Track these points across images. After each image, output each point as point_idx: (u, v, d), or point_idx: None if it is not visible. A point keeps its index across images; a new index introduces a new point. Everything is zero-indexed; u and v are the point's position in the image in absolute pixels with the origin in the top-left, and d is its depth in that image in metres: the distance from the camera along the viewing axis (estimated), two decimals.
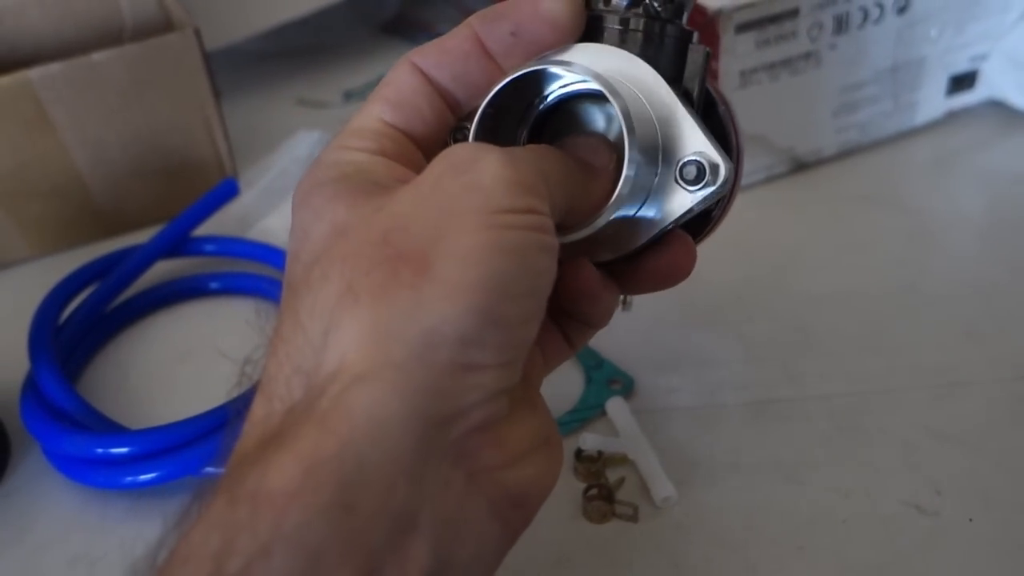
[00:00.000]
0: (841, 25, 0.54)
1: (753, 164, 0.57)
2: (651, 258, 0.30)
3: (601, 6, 0.29)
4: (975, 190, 0.58)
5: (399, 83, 0.28)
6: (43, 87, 0.52)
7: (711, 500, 0.39)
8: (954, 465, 0.39)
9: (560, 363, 0.32)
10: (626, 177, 0.26)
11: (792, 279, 0.51)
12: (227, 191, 0.53)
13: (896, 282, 0.51)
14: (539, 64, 0.27)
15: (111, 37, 0.63)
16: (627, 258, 0.30)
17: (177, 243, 0.52)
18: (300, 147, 0.61)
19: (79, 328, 0.48)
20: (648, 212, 0.28)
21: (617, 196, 0.26)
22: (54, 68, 0.52)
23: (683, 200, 0.28)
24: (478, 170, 0.24)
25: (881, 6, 0.55)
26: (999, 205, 0.57)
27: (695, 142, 0.27)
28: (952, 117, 0.62)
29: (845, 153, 0.60)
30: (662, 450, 0.40)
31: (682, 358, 0.46)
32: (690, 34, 0.29)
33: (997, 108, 0.62)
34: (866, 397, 0.43)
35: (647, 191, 0.28)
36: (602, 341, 0.46)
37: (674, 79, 0.29)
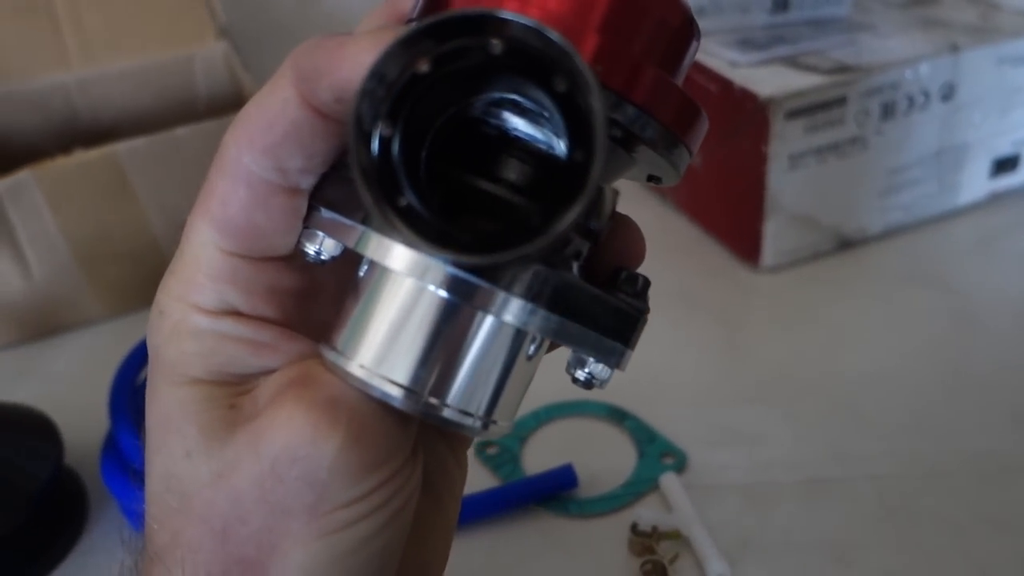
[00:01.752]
0: (887, 112, 0.56)
1: (800, 242, 0.59)
2: None
3: None
4: (1018, 271, 0.59)
5: (225, 190, 0.22)
6: (128, 160, 0.55)
7: None
8: (1003, 551, 0.40)
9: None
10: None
11: (838, 357, 0.53)
12: None
13: (941, 363, 0.52)
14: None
15: (186, 108, 0.67)
16: None
17: None
18: None
19: None
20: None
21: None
22: (139, 143, 0.55)
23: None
24: (316, 458, 0.20)
25: (927, 94, 0.57)
26: None
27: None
28: (995, 199, 0.64)
29: (890, 232, 0.61)
30: (715, 526, 0.42)
31: (733, 434, 0.47)
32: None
33: None
34: (914, 479, 0.44)
35: None
36: (654, 416, 0.48)
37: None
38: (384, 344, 0.21)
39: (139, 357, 0.50)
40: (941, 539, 0.41)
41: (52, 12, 0.64)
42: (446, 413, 0.21)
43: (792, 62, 0.57)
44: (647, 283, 0.23)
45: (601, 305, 0.22)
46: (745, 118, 0.55)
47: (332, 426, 0.20)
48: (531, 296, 0.21)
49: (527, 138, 0.22)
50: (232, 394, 0.22)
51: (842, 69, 0.56)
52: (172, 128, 0.57)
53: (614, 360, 0.22)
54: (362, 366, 0.21)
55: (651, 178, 0.26)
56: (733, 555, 0.40)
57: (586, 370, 0.22)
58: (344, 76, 0.20)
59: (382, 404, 0.21)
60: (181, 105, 0.67)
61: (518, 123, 0.22)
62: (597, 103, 0.18)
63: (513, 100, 0.21)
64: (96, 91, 0.65)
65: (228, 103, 0.67)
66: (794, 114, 0.54)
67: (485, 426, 0.22)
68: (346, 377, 0.21)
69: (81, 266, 0.57)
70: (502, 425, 0.23)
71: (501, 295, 0.20)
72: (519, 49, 0.18)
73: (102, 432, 0.47)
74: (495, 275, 0.20)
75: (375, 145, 0.19)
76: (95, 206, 0.56)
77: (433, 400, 0.21)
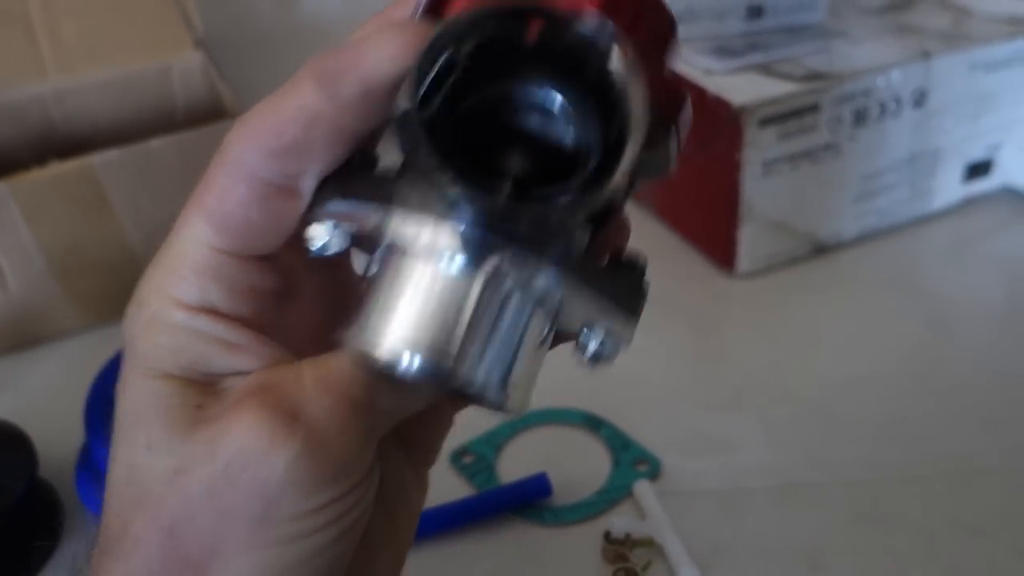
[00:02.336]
0: (860, 118, 0.57)
1: (775, 248, 0.59)
2: None
3: None
4: (991, 275, 0.60)
5: (224, 186, 0.22)
6: (104, 171, 0.55)
7: None
8: (975, 555, 0.41)
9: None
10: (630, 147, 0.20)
11: (813, 362, 0.53)
12: None
13: (914, 368, 0.52)
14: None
15: (163, 119, 0.67)
16: None
17: None
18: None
19: None
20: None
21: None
22: (115, 154, 0.55)
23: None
24: (268, 467, 0.20)
25: (899, 100, 0.57)
26: (1015, 290, 0.58)
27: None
28: (969, 203, 0.64)
29: (865, 238, 0.62)
30: (688, 533, 0.42)
31: (707, 441, 0.47)
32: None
33: (1012, 195, 0.64)
34: (886, 484, 0.44)
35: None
36: (629, 423, 0.48)
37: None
38: (411, 320, 0.21)
39: (115, 369, 0.50)
40: (913, 543, 0.41)
41: (28, 22, 0.64)
42: (474, 385, 0.22)
43: (766, 69, 0.58)
44: (646, 262, 0.24)
45: (614, 276, 0.23)
46: (719, 126, 0.55)
47: (288, 436, 0.20)
48: (557, 262, 0.22)
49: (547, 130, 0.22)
50: (200, 393, 0.22)
51: (815, 76, 0.56)
52: (149, 139, 0.57)
53: (628, 329, 0.23)
54: (388, 346, 0.21)
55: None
56: (706, 562, 0.40)
57: (594, 344, 0.23)
58: (369, 67, 0.21)
59: (343, 418, 0.21)
60: (159, 116, 0.67)
61: (535, 120, 0.22)
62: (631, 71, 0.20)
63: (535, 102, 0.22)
64: (73, 102, 0.65)
65: (206, 114, 0.67)
66: (767, 121, 0.54)
67: (504, 400, 0.23)
68: (372, 361, 0.22)
69: (57, 277, 0.57)
70: (518, 400, 0.23)
71: (530, 259, 0.21)
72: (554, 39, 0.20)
73: (78, 444, 0.47)
74: (523, 240, 0.21)
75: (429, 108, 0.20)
76: (71, 218, 0.56)
77: (461, 371, 0.21)
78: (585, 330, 0.23)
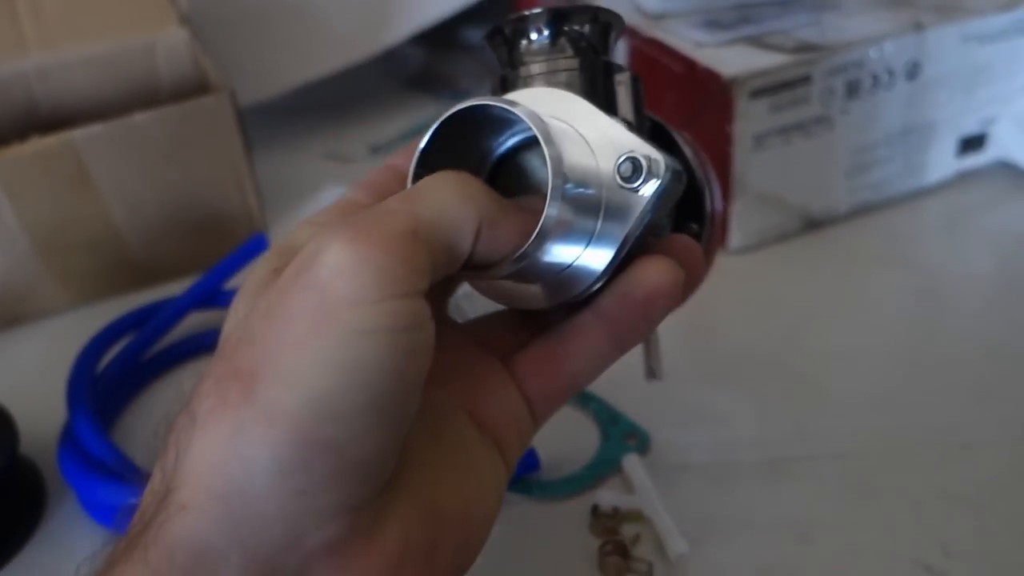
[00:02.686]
0: (852, 91, 0.56)
1: (767, 222, 0.59)
2: (627, 279, 0.28)
3: (525, 55, 0.29)
4: (985, 250, 0.59)
5: (375, 174, 0.30)
6: (86, 147, 0.54)
7: (724, 558, 0.40)
8: (963, 525, 0.40)
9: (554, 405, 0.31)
10: (547, 216, 0.24)
11: (804, 337, 0.53)
12: (257, 246, 0.55)
13: (907, 341, 0.52)
14: (474, 101, 0.26)
15: (148, 95, 0.66)
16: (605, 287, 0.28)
17: (209, 295, 0.54)
18: (326, 201, 0.63)
19: (115, 378, 0.49)
20: (606, 236, 0.27)
21: (538, 233, 0.24)
22: (97, 129, 0.54)
23: (635, 204, 0.26)
24: (317, 264, 0.22)
25: (891, 72, 0.57)
26: (1009, 265, 0.58)
27: (627, 143, 0.27)
28: (963, 178, 0.64)
29: (857, 212, 0.61)
30: (677, 506, 0.41)
31: (697, 415, 0.47)
32: (615, 65, 0.30)
33: (1007, 169, 0.64)
34: (877, 456, 0.44)
35: (594, 217, 0.27)
36: (619, 398, 0.47)
37: (612, 111, 0.29)
38: None
39: (98, 346, 0.50)
40: (902, 515, 0.41)
41: None
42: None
43: (757, 42, 0.57)
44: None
45: None
46: (709, 98, 0.54)
47: (335, 233, 0.22)
48: None
49: None
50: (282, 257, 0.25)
51: (806, 48, 0.55)
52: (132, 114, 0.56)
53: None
54: None
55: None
56: (694, 535, 0.40)
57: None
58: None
59: (393, 223, 0.22)
60: (143, 93, 0.66)
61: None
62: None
63: None
64: (56, 79, 0.64)
65: (191, 90, 0.66)
66: (758, 93, 0.54)
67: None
68: None
69: (41, 255, 0.56)
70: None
71: None
72: None
73: (61, 423, 0.46)
74: None
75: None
76: (54, 194, 0.55)
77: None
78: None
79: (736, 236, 0.58)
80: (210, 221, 0.60)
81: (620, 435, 0.46)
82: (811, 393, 0.48)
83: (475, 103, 0.25)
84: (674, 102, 0.57)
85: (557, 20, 0.28)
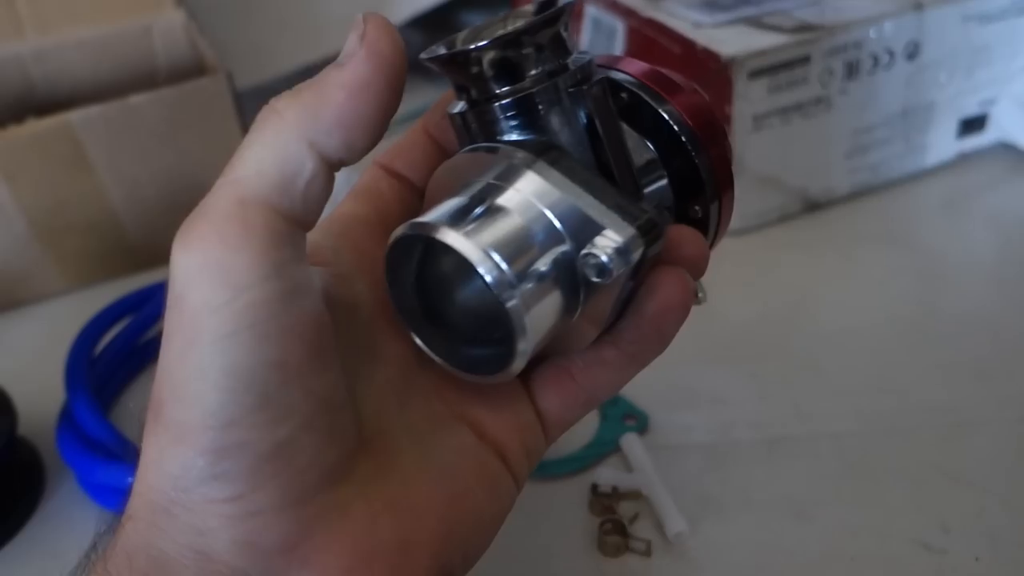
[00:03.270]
0: (852, 71, 0.56)
1: (766, 204, 0.59)
2: (636, 301, 0.26)
3: (479, 95, 0.26)
4: (985, 231, 0.59)
5: (363, 179, 0.29)
6: (83, 129, 0.54)
7: (723, 536, 0.40)
8: (962, 504, 0.40)
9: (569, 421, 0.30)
10: (518, 353, 0.24)
11: (804, 317, 0.52)
12: None
13: (906, 321, 0.52)
14: (408, 230, 0.24)
15: (145, 78, 0.66)
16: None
17: None
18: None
19: (113, 360, 0.49)
20: (594, 303, 0.26)
21: (516, 357, 0.24)
22: (93, 111, 0.54)
23: (610, 288, 0.25)
24: (172, 278, 0.22)
25: (891, 53, 0.56)
26: (1008, 246, 0.58)
27: (591, 231, 0.24)
28: (963, 159, 0.63)
29: (857, 193, 0.61)
30: (675, 486, 0.41)
31: (696, 395, 0.47)
32: (583, 74, 0.26)
33: (1007, 150, 0.64)
34: (875, 436, 0.44)
35: (575, 296, 0.25)
36: None
37: (593, 133, 0.26)
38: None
39: (96, 328, 0.50)
40: (901, 494, 0.41)
41: None
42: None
43: (756, 22, 0.57)
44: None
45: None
46: (708, 79, 0.54)
47: (185, 237, 0.22)
48: None
49: None
50: None
51: (806, 28, 0.55)
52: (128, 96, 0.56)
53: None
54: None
55: None
56: (693, 513, 0.40)
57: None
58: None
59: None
60: (140, 75, 0.66)
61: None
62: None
63: None
64: (52, 62, 0.64)
65: (188, 72, 0.66)
66: (757, 74, 0.53)
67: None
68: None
69: (38, 238, 0.56)
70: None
71: None
72: None
73: (58, 405, 0.46)
74: None
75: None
76: (51, 177, 0.55)
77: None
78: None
79: (735, 217, 0.57)
80: None
81: (619, 415, 0.45)
82: (810, 373, 0.48)
83: (411, 233, 0.24)
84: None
85: (507, 52, 0.25)
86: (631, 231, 0.24)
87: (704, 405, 0.47)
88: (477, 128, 0.26)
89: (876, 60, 0.56)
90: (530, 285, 0.24)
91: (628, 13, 0.61)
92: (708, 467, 0.43)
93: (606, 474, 0.42)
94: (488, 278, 0.23)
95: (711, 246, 0.30)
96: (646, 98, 0.28)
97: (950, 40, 0.58)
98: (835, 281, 0.56)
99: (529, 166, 0.25)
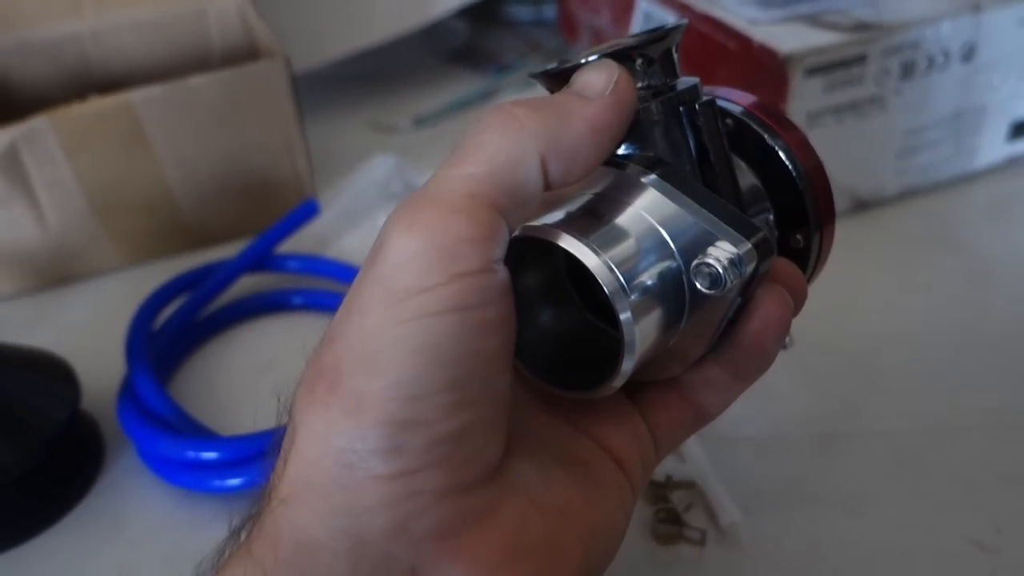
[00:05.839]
0: (907, 71, 0.56)
1: None
2: (737, 331, 0.26)
3: None
4: None
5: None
6: (142, 108, 0.55)
7: (776, 528, 0.40)
8: (1016, 504, 0.40)
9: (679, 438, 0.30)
10: (623, 370, 0.24)
11: (853, 316, 0.53)
12: (309, 211, 0.56)
13: (955, 323, 0.52)
14: (522, 232, 0.24)
15: (200, 61, 0.67)
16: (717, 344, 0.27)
17: (262, 259, 0.55)
18: (376, 170, 0.64)
19: (171, 336, 0.50)
20: (699, 322, 0.26)
21: (621, 372, 0.25)
22: (154, 90, 0.55)
23: (718, 303, 0.25)
24: (382, 253, 0.22)
25: (947, 54, 0.56)
26: None
27: (705, 242, 0.24)
28: (1012, 163, 0.63)
29: (906, 194, 0.61)
30: (727, 477, 0.42)
31: (748, 389, 0.47)
32: (690, 95, 0.27)
33: None
34: (926, 435, 0.44)
35: (680, 313, 0.25)
36: None
37: (701, 152, 0.27)
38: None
39: (155, 304, 0.51)
40: (953, 493, 0.41)
41: None
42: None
43: (813, 20, 0.57)
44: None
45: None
46: (764, 75, 0.54)
47: (398, 217, 0.22)
48: None
49: None
50: None
51: (863, 27, 0.55)
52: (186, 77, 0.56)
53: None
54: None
55: None
56: (746, 504, 0.40)
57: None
58: None
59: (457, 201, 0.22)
60: (195, 57, 0.67)
61: None
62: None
63: None
64: (109, 42, 0.65)
65: (242, 55, 0.67)
66: (813, 71, 0.53)
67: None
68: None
69: (96, 215, 0.57)
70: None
71: None
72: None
73: (117, 379, 0.47)
74: None
75: None
76: (110, 154, 0.56)
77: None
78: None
79: None
80: (260, 186, 0.61)
81: None
82: (860, 371, 0.48)
83: (524, 236, 0.24)
84: (727, 79, 0.57)
85: (632, 56, 0.26)
86: (746, 244, 0.24)
87: (754, 398, 0.46)
88: None
89: (931, 61, 0.56)
90: (640, 297, 0.24)
91: (682, 7, 0.61)
92: (760, 460, 0.43)
93: (661, 465, 0.42)
94: (607, 289, 0.23)
95: (810, 279, 0.31)
96: (754, 127, 0.29)
97: (1006, 43, 0.58)
98: (884, 281, 0.56)
99: (642, 177, 0.25)
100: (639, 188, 0.25)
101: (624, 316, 0.23)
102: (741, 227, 0.24)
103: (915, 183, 0.61)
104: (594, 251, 0.23)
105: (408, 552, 0.22)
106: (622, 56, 0.26)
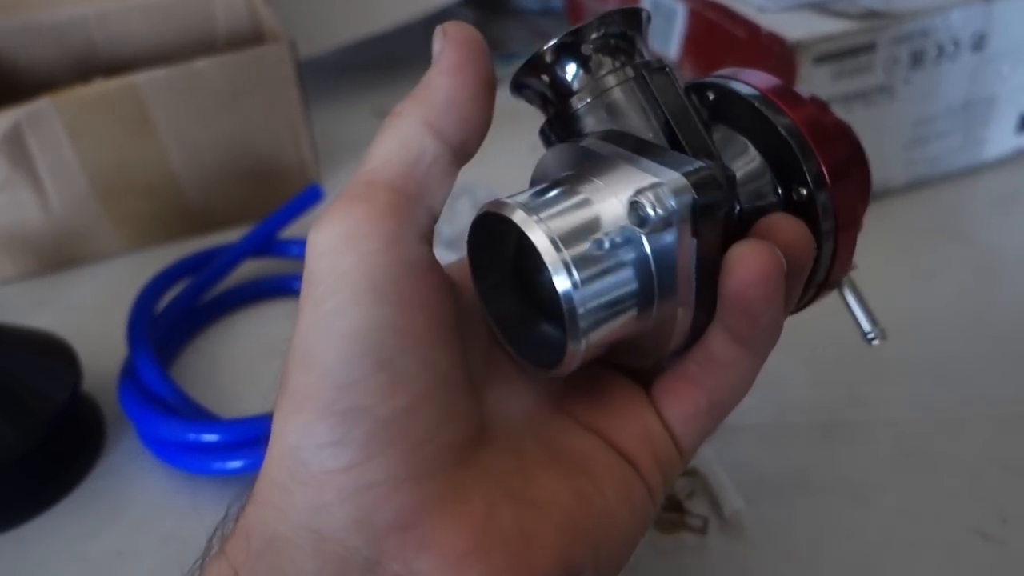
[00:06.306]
0: (916, 60, 0.55)
1: None
2: (720, 294, 0.25)
3: (565, 91, 0.28)
4: None
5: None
6: (147, 91, 0.55)
7: (779, 517, 0.40)
8: (1020, 495, 0.40)
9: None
10: (570, 353, 0.24)
11: None
12: (312, 196, 0.56)
13: (962, 314, 0.51)
14: (489, 208, 0.25)
15: (205, 44, 0.66)
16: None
17: (264, 244, 0.54)
18: None
19: (173, 319, 0.50)
20: (666, 284, 0.24)
21: (564, 364, 0.24)
22: (158, 73, 0.55)
23: (668, 246, 0.23)
24: (309, 255, 0.23)
25: (957, 43, 0.56)
26: None
27: (637, 184, 0.23)
28: (1022, 155, 0.63)
29: (914, 185, 0.61)
30: (731, 465, 0.42)
31: None
32: (646, 68, 0.27)
33: None
34: (932, 425, 0.44)
35: (633, 275, 0.24)
36: None
37: (659, 115, 0.27)
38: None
39: (157, 288, 0.51)
40: (958, 483, 0.41)
41: None
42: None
43: (821, 8, 0.56)
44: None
45: None
46: (772, 63, 0.54)
47: (316, 221, 0.23)
48: None
49: None
50: None
51: (872, 15, 0.55)
52: (191, 60, 0.56)
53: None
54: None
55: None
56: (749, 494, 0.40)
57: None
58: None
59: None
60: (200, 41, 0.66)
61: None
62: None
63: None
64: (115, 25, 0.64)
65: (246, 40, 0.66)
66: (822, 59, 0.53)
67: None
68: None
69: (99, 198, 0.57)
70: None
71: None
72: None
73: (118, 361, 0.47)
74: None
75: None
76: (114, 137, 0.55)
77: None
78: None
79: None
80: (264, 170, 0.61)
81: None
82: (865, 361, 0.48)
83: (482, 212, 0.25)
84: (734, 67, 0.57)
85: (578, 43, 0.27)
86: (673, 175, 0.23)
87: (758, 387, 0.46)
88: (556, 139, 0.28)
89: (941, 50, 0.56)
90: (576, 249, 0.23)
91: None
92: (763, 448, 0.43)
93: None
94: (544, 256, 0.23)
95: (837, 242, 0.30)
96: (743, 95, 0.28)
97: (1017, 33, 0.57)
98: (891, 271, 0.55)
99: (582, 142, 0.26)
100: (578, 152, 0.26)
101: (558, 278, 0.23)
102: (677, 165, 0.23)
103: (923, 174, 0.61)
104: (523, 208, 0.24)
105: (371, 545, 0.22)
106: (567, 47, 0.27)
